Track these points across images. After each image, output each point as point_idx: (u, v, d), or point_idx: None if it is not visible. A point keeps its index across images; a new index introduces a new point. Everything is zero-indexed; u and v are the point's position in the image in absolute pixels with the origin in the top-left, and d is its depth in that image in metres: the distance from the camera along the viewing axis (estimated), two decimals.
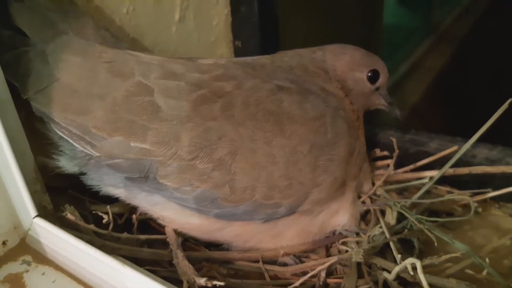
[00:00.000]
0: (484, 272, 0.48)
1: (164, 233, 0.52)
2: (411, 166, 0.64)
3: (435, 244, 0.49)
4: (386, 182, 0.62)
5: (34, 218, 0.47)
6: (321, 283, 0.50)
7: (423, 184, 0.57)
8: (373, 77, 0.60)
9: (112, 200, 0.53)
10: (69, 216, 0.48)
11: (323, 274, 0.50)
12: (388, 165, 0.64)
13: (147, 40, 0.70)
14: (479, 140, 0.54)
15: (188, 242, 0.54)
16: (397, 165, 0.64)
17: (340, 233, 0.56)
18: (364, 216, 0.59)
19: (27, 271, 0.45)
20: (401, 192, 0.65)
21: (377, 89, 0.61)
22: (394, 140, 0.63)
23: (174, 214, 0.51)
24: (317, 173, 0.50)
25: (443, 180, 0.61)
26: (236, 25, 0.84)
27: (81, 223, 0.48)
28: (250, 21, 0.82)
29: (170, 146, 0.46)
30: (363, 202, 0.59)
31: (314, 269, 0.50)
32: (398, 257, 0.49)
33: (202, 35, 0.80)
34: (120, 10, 0.65)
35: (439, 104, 1.36)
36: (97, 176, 0.50)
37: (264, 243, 0.53)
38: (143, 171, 0.47)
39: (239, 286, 0.49)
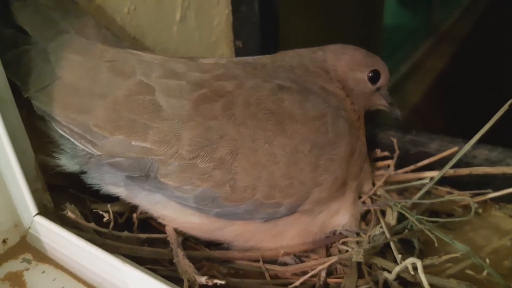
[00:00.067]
0: (485, 273, 0.48)
1: (164, 232, 0.52)
2: (412, 167, 0.64)
3: (436, 244, 0.49)
4: (386, 183, 0.62)
5: (34, 216, 0.47)
6: (321, 282, 0.50)
7: (424, 185, 0.57)
8: (374, 77, 0.60)
9: (112, 199, 0.53)
10: (70, 214, 0.48)
11: (323, 274, 0.50)
12: (388, 166, 0.64)
13: (148, 39, 0.70)
14: (480, 141, 0.54)
15: (188, 241, 0.54)
16: (398, 166, 0.64)
17: (340, 233, 0.56)
18: (364, 216, 0.59)
19: (27, 269, 0.45)
20: (401, 192, 0.65)
21: (377, 89, 0.61)
22: (394, 140, 0.63)
23: (175, 213, 0.51)
24: (318, 173, 0.50)
25: (444, 181, 0.61)
26: (237, 25, 0.85)
27: (82, 221, 0.48)
28: (251, 21, 0.83)
29: (171, 145, 0.46)
30: (364, 202, 0.59)
31: (314, 269, 0.50)
32: (398, 257, 0.49)
33: (203, 34, 0.80)
34: (121, 9, 0.65)
35: (439, 104, 1.36)
36: (97, 175, 0.50)
37: (265, 242, 0.53)
38: (144, 170, 0.47)
39: (239, 285, 0.49)
